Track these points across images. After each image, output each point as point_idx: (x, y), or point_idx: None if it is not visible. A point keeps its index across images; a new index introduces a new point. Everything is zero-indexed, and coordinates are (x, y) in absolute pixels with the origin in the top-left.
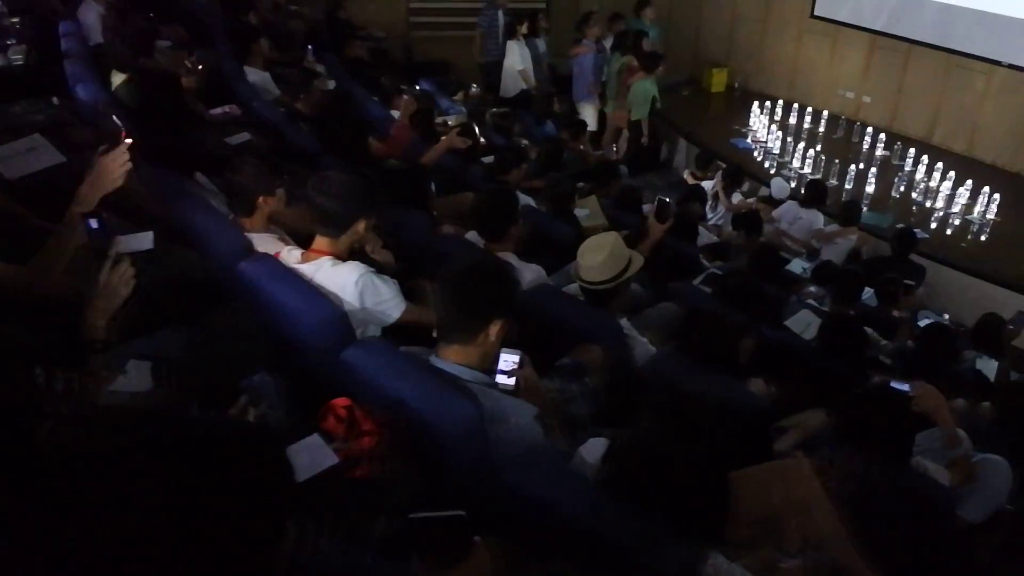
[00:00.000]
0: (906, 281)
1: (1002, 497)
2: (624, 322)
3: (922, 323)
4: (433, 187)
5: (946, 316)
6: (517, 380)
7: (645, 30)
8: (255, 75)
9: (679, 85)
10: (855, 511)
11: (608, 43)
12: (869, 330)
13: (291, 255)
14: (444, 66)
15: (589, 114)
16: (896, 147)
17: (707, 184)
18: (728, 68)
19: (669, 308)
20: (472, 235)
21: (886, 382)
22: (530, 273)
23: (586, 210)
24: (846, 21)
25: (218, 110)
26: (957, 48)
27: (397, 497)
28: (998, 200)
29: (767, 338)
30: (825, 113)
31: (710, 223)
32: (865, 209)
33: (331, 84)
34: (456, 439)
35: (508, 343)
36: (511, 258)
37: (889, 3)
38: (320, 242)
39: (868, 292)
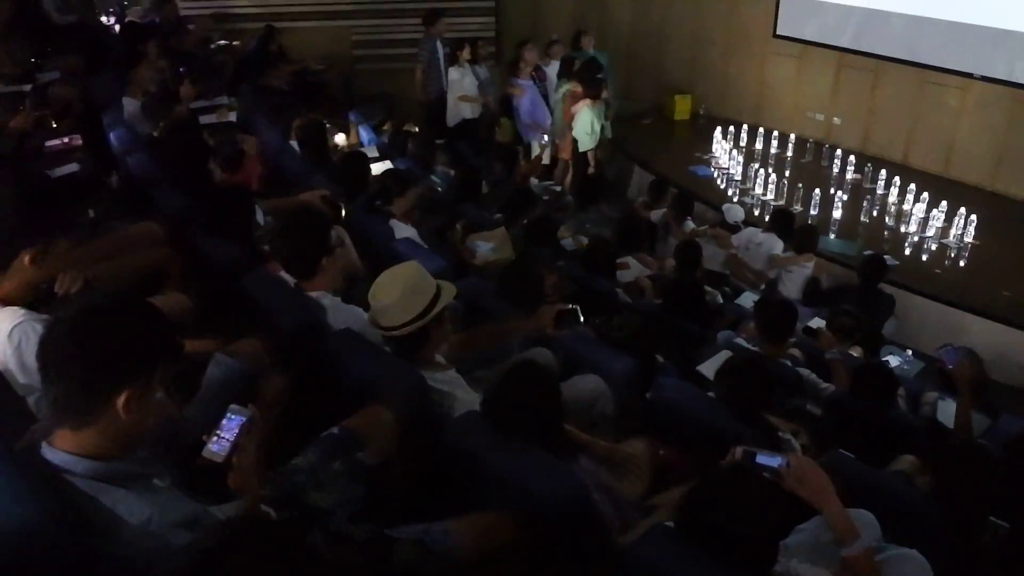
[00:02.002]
0: (844, 310)
1: None
2: (445, 375)
3: (889, 361)
4: (261, 215)
5: (909, 352)
6: (229, 454)
7: (596, 58)
8: (131, 105)
9: (643, 114)
10: None
11: (552, 69)
12: (806, 372)
13: None
14: (386, 98)
15: (537, 150)
16: (867, 169)
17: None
18: (692, 95)
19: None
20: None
21: (749, 455)
22: (348, 317)
23: (490, 244)
24: (810, 39)
25: (55, 141)
26: (927, 62)
27: None
28: (975, 222)
29: (661, 387)
30: (792, 137)
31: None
32: (832, 236)
33: (232, 116)
34: None
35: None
36: (326, 299)
37: (854, 18)
38: None
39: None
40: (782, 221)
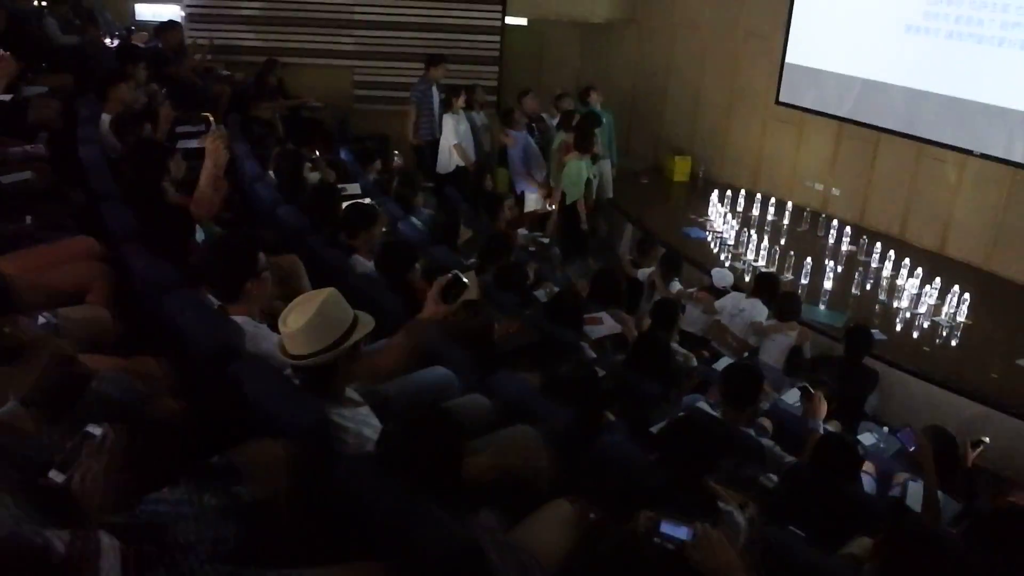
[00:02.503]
0: (820, 381)
1: None
2: (355, 412)
3: (863, 438)
4: (201, 235)
5: (885, 429)
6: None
7: (597, 113)
8: (106, 122)
9: (641, 173)
10: None
11: (555, 122)
12: (769, 443)
13: None
14: (380, 138)
15: (532, 200)
16: (863, 241)
17: (645, 272)
18: (691, 156)
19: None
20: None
21: (653, 523)
22: (268, 345)
23: None
24: (811, 107)
25: (18, 148)
26: (925, 136)
27: None
28: (968, 300)
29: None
30: (789, 204)
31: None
32: (822, 307)
33: None
34: None
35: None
36: (248, 323)
37: (854, 89)
38: None
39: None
40: (766, 286)
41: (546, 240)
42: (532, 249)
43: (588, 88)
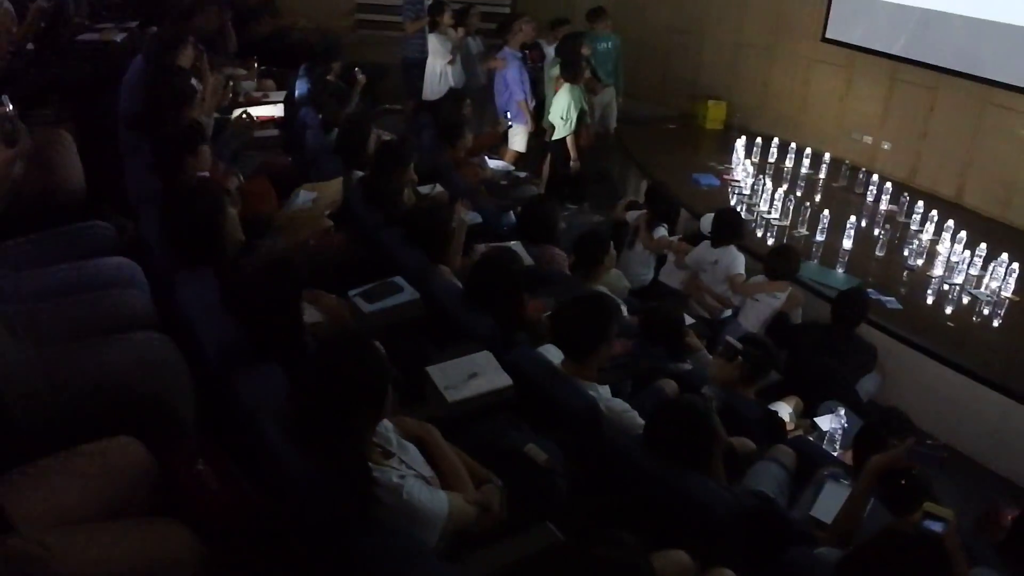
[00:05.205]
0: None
1: None
2: None
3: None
4: None
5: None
6: None
7: (579, 33)
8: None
9: (669, 119)
10: None
11: (552, 50)
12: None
13: None
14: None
15: (518, 136)
16: (903, 199)
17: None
18: (728, 103)
19: None
20: None
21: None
22: None
23: (312, 194)
24: (860, 44)
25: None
26: (991, 76)
27: None
28: (1017, 273)
29: None
30: (827, 156)
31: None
32: (839, 271)
33: None
34: None
35: None
36: None
37: (910, 21)
38: None
39: None
40: (724, 226)
41: (522, 175)
42: (503, 183)
43: (595, 10)
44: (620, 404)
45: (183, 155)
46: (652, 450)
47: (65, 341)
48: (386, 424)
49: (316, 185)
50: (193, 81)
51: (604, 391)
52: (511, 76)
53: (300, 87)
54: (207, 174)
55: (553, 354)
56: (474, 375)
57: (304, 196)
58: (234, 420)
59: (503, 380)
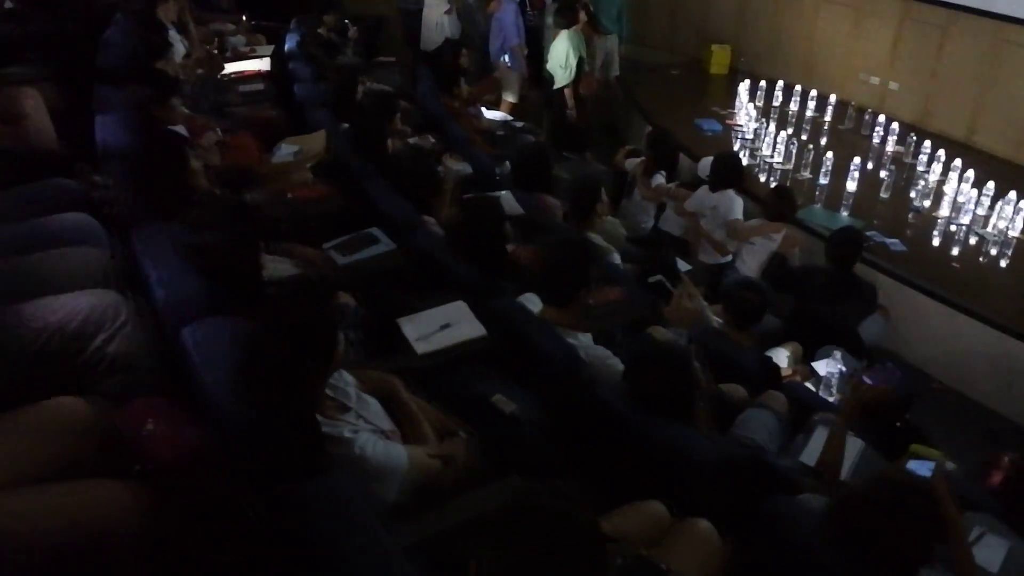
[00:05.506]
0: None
1: None
2: None
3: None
4: None
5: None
6: None
7: None
8: None
9: (674, 65)
10: None
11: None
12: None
13: None
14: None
15: (511, 83)
16: (910, 140)
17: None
18: (734, 47)
19: None
20: None
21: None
22: None
23: (294, 147)
24: None
25: None
26: (1004, 12)
27: None
28: None
29: None
30: (832, 98)
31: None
32: (844, 213)
33: None
34: None
35: None
36: None
37: None
38: None
39: None
40: (723, 170)
41: (519, 124)
42: (500, 133)
43: None
44: (602, 351)
45: (150, 109)
46: (631, 398)
47: (15, 300)
48: (346, 378)
49: (299, 138)
50: (176, 34)
51: (586, 339)
52: (507, 20)
53: (290, 40)
54: (180, 127)
55: (535, 303)
56: (446, 326)
57: (286, 149)
58: (187, 375)
59: (476, 330)
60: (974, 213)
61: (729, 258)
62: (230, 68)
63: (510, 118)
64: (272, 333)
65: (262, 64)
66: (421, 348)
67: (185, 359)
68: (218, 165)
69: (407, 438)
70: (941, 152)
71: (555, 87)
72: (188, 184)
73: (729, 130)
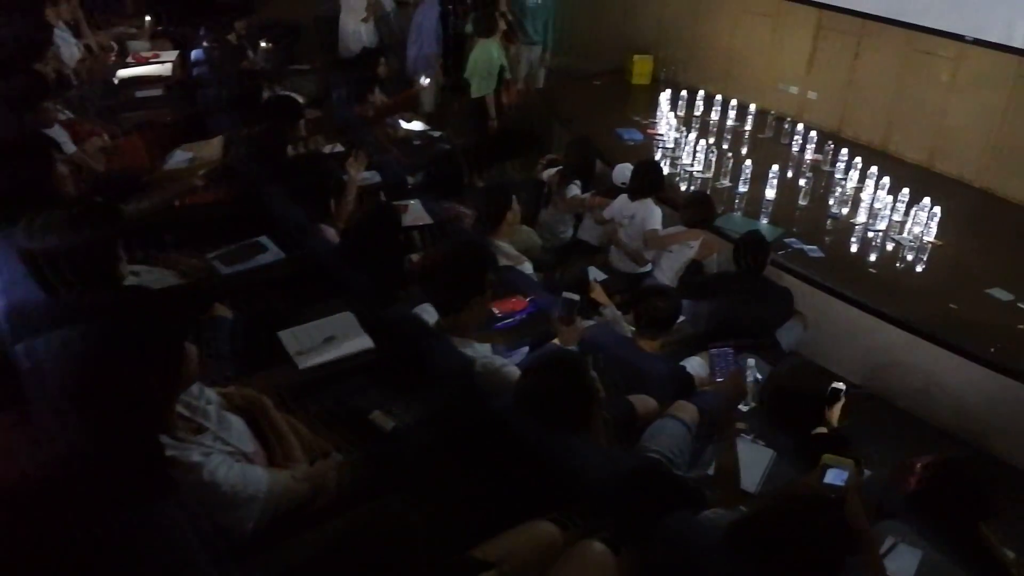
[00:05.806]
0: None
1: None
2: None
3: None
4: None
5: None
6: None
7: None
8: None
9: (595, 75)
10: None
11: None
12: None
13: None
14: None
15: (427, 88)
16: (828, 148)
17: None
18: (655, 56)
19: None
20: None
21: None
22: None
23: (188, 154)
24: None
25: None
26: (914, 22)
27: None
28: (939, 217)
29: None
30: (752, 107)
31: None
32: (764, 221)
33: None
34: None
35: None
36: None
37: None
38: None
39: None
40: (643, 179)
41: (437, 134)
42: (417, 143)
43: None
44: (499, 360)
45: (21, 110)
46: (524, 408)
47: None
48: (208, 395)
49: (194, 145)
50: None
51: (483, 348)
52: (427, 25)
53: (198, 46)
54: (56, 130)
55: (431, 313)
56: (331, 338)
57: (180, 156)
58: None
59: (362, 343)
60: (890, 219)
61: (648, 267)
62: (128, 73)
63: (427, 128)
64: (109, 347)
65: (163, 69)
66: (302, 362)
67: (19, 375)
68: (101, 171)
69: (274, 460)
70: (858, 159)
71: (473, 95)
72: (51, 189)
73: (650, 139)
